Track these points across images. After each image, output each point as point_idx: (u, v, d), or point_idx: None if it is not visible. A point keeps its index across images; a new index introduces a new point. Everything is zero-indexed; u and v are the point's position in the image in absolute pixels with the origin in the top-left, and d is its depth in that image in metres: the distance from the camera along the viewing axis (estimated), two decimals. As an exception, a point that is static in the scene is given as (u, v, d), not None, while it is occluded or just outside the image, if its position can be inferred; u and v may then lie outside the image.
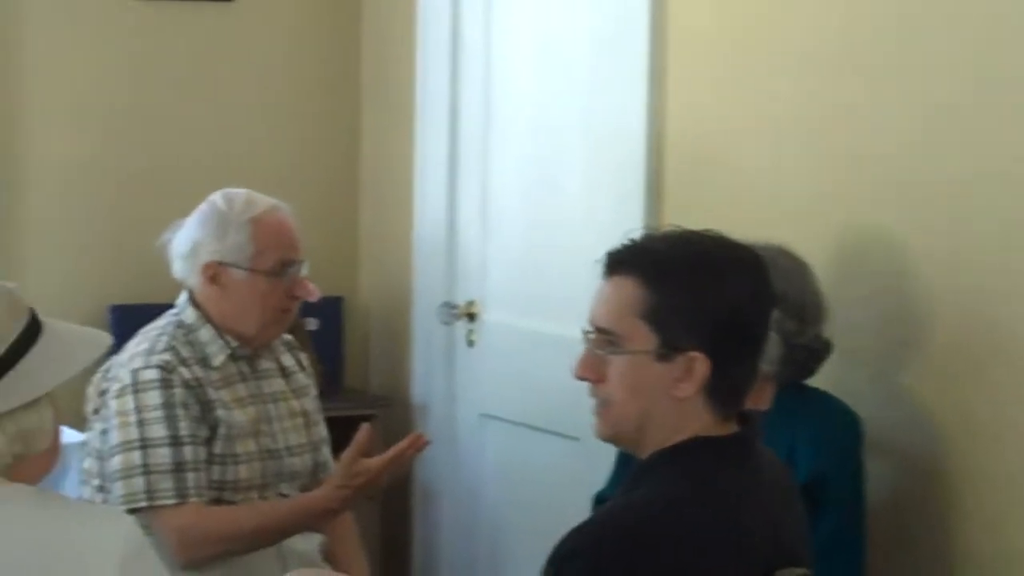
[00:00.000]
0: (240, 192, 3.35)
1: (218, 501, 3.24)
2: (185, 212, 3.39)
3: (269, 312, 3.32)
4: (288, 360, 3.47)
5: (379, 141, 5.00)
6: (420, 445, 3.23)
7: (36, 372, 2.06)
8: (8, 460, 2.04)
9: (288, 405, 3.41)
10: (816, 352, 3.17)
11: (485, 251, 4.51)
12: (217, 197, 3.35)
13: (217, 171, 4.61)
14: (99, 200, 4.77)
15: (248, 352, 3.34)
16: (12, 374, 2.04)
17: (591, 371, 2.27)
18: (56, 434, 2.13)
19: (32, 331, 2.09)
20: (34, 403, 2.06)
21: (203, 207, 3.34)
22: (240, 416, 3.28)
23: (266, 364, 3.40)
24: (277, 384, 3.41)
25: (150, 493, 3.14)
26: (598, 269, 2.32)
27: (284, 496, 3.32)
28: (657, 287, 2.22)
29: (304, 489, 3.35)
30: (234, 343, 3.31)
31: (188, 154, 4.85)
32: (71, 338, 2.16)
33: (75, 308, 4.53)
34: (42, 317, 2.14)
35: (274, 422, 3.36)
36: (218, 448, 3.24)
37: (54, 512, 2.04)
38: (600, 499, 3.32)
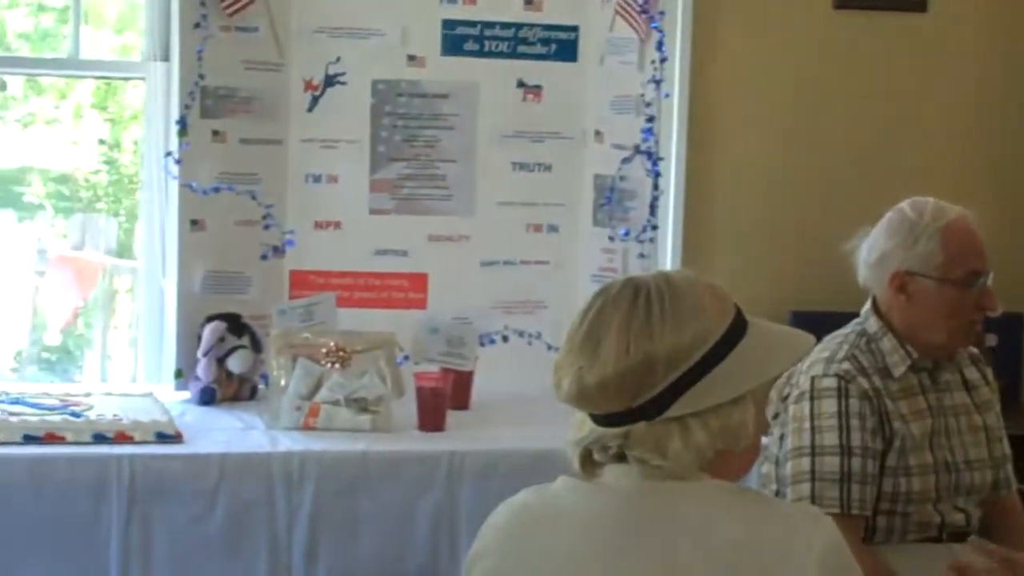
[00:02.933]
0: (928, 200, 3.30)
1: (890, 513, 3.22)
2: (864, 220, 3.37)
3: (956, 323, 3.26)
4: (973, 374, 3.39)
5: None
6: None
7: (741, 368, 2.09)
8: (710, 455, 2.08)
9: (969, 419, 3.34)
10: None
11: None
12: (905, 205, 3.31)
13: (895, 179, 4.58)
14: (782, 205, 4.81)
15: (928, 364, 3.30)
16: (719, 369, 2.08)
17: None
18: (757, 433, 2.16)
19: (739, 327, 2.13)
20: (739, 399, 2.10)
21: (891, 215, 3.30)
22: (916, 428, 3.24)
23: (948, 376, 3.34)
24: (959, 397, 3.35)
25: (816, 499, 3.14)
26: None
27: (960, 511, 3.26)
28: None
29: (982, 504, 3.28)
30: (915, 354, 3.27)
31: (867, 161, 4.83)
32: (776, 337, 2.17)
33: (757, 312, 4.56)
34: (748, 315, 2.17)
35: (952, 436, 3.30)
36: (892, 460, 3.20)
37: (755, 509, 2.07)
38: None
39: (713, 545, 2.02)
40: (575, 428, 2.19)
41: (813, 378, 3.21)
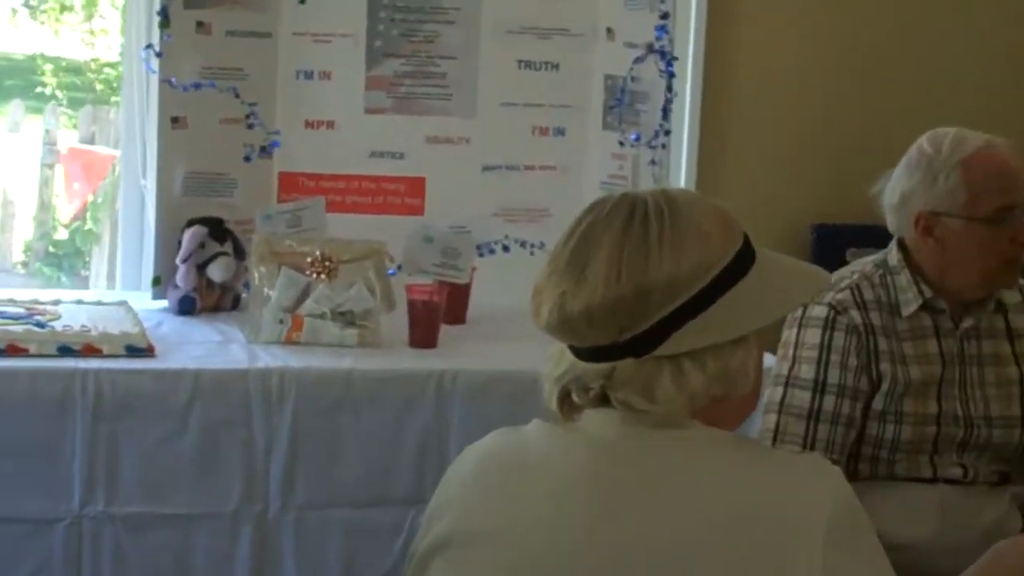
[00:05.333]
0: (948, 131, 2.99)
1: (873, 459, 2.97)
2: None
3: (991, 264, 2.97)
4: (1021, 322, 3.12)
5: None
6: None
7: (745, 305, 1.84)
8: (703, 402, 1.84)
9: (1000, 371, 3.04)
10: None
11: None
12: (923, 140, 3.01)
13: (934, 87, 4.35)
14: (807, 109, 4.58)
15: (944, 306, 3.02)
16: (720, 304, 1.83)
17: None
18: (757, 380, 1.91)
19: (746, 259, 1.87)
20: (740, 340, 1.85)
21: (911, 152, 3.01)
22: (918, 373, 2.96)
23: (979, 322, 3.04)
24: (991, 346, 3.04)
25: (779, 434, 2.93)
26: None
27: (959, 465, 2.99)
28: None
29: (1006, 462, 3.01)
30: (929, 293, 2.99)
31: (903, 64, 4.57)
32: (786, 272, 1.91)
33: (777, 226, 4.40)
34: (756, 246, 1.91)
35: (971, 387, 3.01)
36: (879, 404, 2.95)
37: (756, 465, 1.83)
38: None
39: (708, 507, 1.77)
40: (552, 362, 1.95)
41: (805, 305, 2.96)
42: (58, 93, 8.95)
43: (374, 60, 4.14)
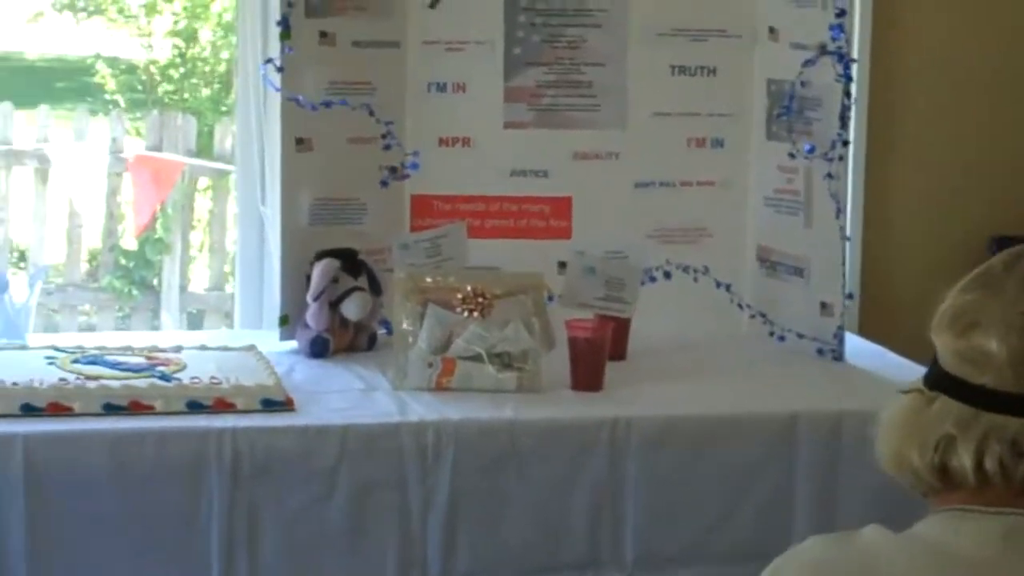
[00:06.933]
0: None
1: None
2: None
3: None
4: None
5: None
6: None
7: None
8: None
9: None
10: None
11: None
12: None
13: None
14: (983, 119, 4.19)
15: None
16: None
17: None
18: None
19: None
20: None
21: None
22: None
23: None
24: None
25: None
26: None
27: None
28: None
29: None
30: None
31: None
32: None
33: (952, 238, 4.05)
34: None
35: None
36: None
37: None
38: None
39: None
40: (917, 417, 1.51)
41: None
42: (118, 98, 8.66)
43: (513, 69, 3.76)
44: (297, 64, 3.55)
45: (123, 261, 7.50)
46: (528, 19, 3.75)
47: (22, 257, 7.58)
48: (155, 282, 7.28)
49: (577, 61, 3.77)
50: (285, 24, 3.53)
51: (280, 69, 3.54)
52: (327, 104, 3.57)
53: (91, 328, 7.03)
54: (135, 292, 7.26)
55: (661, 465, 3.11)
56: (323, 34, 3.59)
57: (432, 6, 3.71)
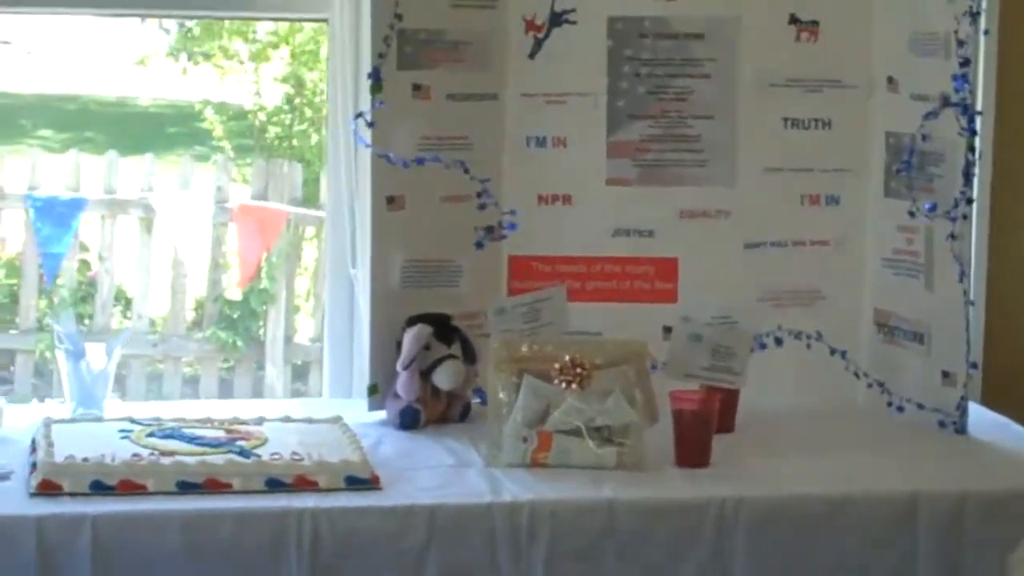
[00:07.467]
0: None
1: None
2: None
3: None
4: None
5: None
6: None
7: None
8: None
9: None
10: None
11: None
12: None
13: None
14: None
15: None
16: None
17: None
18: None
19: None
20: None
21: None
22: None
23: None
24: None
25: None
26: None
27: None
28: None
29: None
30: None
31: None
32: None
33: None
34: None
35: None
36: None
37: None
38: None
39: None
40: None
41: None
42: (226, 144, 8.61)
43: (616, 122, 3.60)
44: (389, 118, 3.41)
45: (227, 311, 7.42)
46: (633, 69, 3.59)
47: (128, 306, 7.52)
48: (260, 333, 7.20)
49: (684, 114, 3.61)
50: (376, 76, 3.39)
51: (371, 124, 3.40)
52: (419, 161, 3.43)
53: (195, 379, 6.95)
54: (239, 343, 7.18)
55: (771, 548, 2.95)
56: (416, 87, 3.45)
57: (532, 56, 3.56)
